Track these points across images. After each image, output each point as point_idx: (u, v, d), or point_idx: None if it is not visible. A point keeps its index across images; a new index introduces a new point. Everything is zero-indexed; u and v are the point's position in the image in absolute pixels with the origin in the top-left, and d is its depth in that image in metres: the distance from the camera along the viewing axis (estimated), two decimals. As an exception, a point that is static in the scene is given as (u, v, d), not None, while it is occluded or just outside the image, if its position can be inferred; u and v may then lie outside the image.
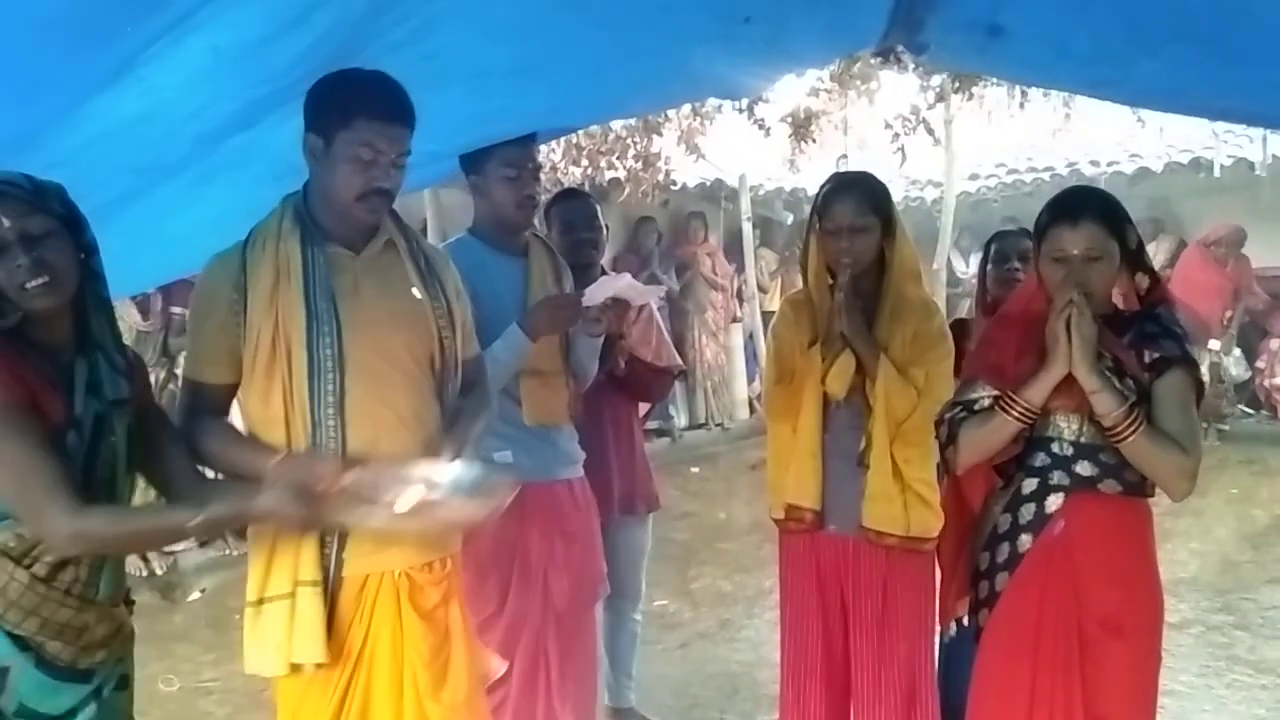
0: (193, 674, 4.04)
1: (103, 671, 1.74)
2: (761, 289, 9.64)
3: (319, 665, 1.91)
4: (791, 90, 7.10)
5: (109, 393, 1.73)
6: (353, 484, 1.77)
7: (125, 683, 1.80)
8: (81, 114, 1.84)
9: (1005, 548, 2.21)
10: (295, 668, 1.91)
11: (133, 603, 1.87)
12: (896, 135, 7.21)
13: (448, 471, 1.85)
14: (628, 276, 2.79)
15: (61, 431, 1.66)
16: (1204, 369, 2.25)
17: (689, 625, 4.68)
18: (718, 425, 9.21)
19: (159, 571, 5.09)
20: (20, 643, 1.66)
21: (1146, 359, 2.07)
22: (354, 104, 1.89)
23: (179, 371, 5.52)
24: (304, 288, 1.92)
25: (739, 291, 9.47)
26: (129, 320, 5.60)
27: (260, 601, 1.93)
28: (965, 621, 2.52)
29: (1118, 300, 2.17)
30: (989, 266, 3.00)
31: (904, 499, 2.45)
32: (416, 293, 2.03)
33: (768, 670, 3.60)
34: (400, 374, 1.99)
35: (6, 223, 1.63)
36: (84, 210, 1.75)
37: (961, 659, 2.57)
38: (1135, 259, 2.14)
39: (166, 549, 5.35)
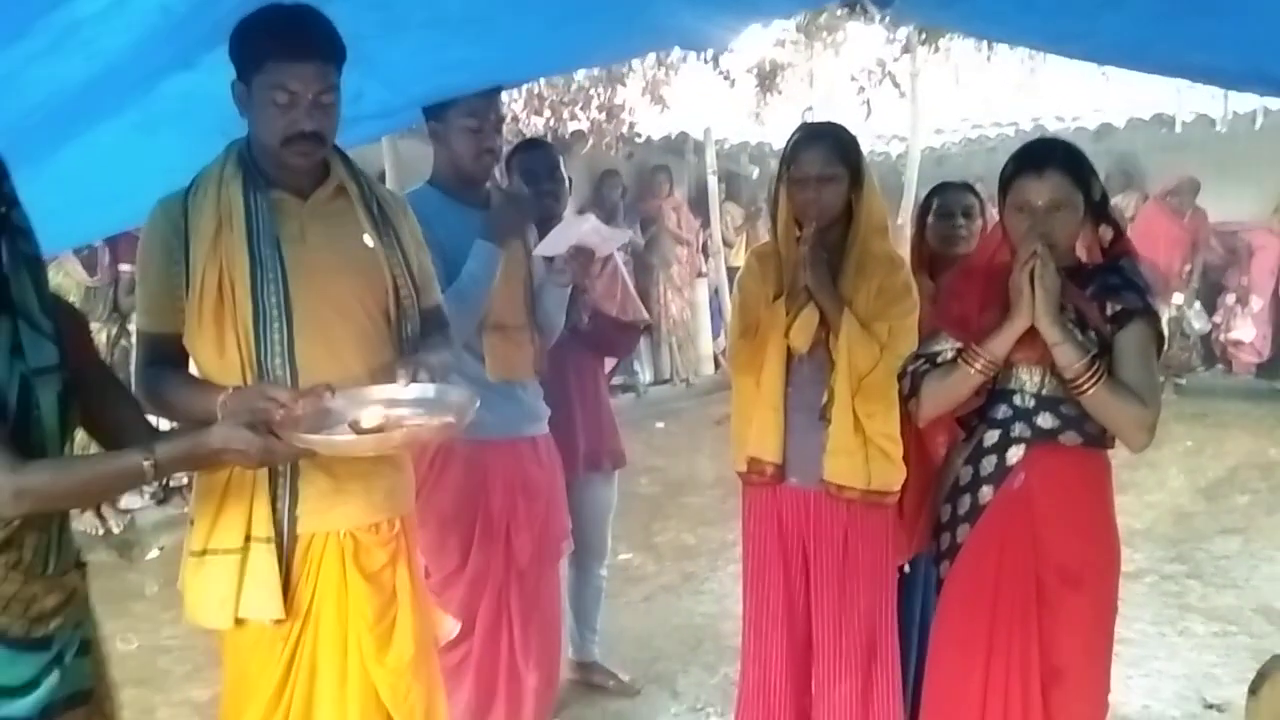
0: (152, 632, 4.00)
1: (60, 638, 1.67)
2: (727, 244, 9.61)
3: (263, 622, 1.88)
4: (757, 42, 7.04)
5: (32, 360, 1.60)
6: (309, 409, 1.70)
7: (87, 648, 1.73)
8: (25, 80, 1.75)
9: (966, 500, 2.22)
10: (240, 622, 1.88)
11: (84, 565, 1.82)
12: (862, 88, 7.18)
13: (407, 392, 1.80)
14: (592, 218, 2.75)
15: None
16: (1166, 322, 2.26)
17: (653, 579, 4.70)
18: (682, 381, 9.23)
19: (116, 530, 5.01)
20: None
21: (1108, 311, 2.07)
22: (263, 45, 1.80)
23: (131, 328, 5.41)
24: (247, 233, 1.85)
25: (704, 246, 9.44)
26: (75, 277, 5.46)
27: (204, 553, 1.89)
28: (905, 569, 2.56)
29: (1081, 253, 2.17)
30: (929, 219, 2.97)
31: (865, 453, 2.45)
32: (368, 240, 1.96)
33: (731, 622, 3.63)
34: (350, 324, 1.92)
35: None
36: (8, 156, 1.61)
37: (913, 608, 2.66)
38: (1099, 211, 2.13)
39: (123, 507, 5.28)
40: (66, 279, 5.38)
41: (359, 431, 1.71)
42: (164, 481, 5.13)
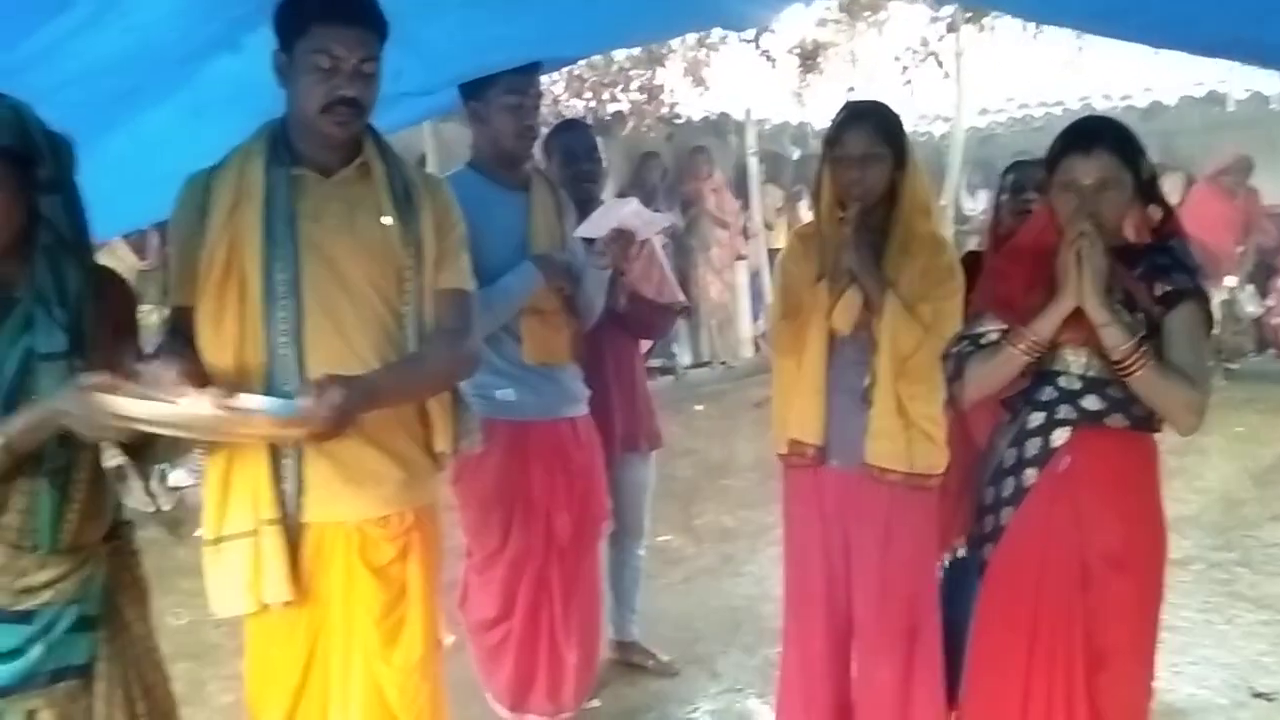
0: (201, 607, 4.01)
1: (47, 613, 1.68)
2: (767, 225, 9.53)
3: (286, 604, 1.88)
4: (799, 21, 6.97)
5: (40, 345, 1.63)
6: (146, 379, 1.60)
7: (91, 624, 1.73)
8: (63, 53, 1.78)
9: (1010, 482, 2.19)
10: (265, 608, 1.88)
11: (115, 543, 1.82)
12: (905, 68, 7.09)
13: (257, 402, 1.70)
14: (634, 202, 2.75)
15: None
16: (1217, 305, 2.22)
17: (692, 560, 4.71)
18: (721, 363, 9.20)
19: (165, 507, 5.10)
20: None
21: (1157, 292, 2.03)
22: (308, 9, 1.81)
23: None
24: (263, 209, 1.84)
25: (744, 228, 9.38)
26: (126, 261, 5.54)
27: (218, 540, 1.88)
28: (961, 554, 2.53)
29: (1129, 233, 2.13)
30: (1004, 197, 2.90)
31: (908, 435, 2.42)
32: (386, 220, 1.92)
33: (770, 605, 3.63)
34: (359, 306, 1.89)
35: None
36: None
37: (959, 592, 2.59)
38: (1148, 190, 2.09)
39: (171, 484, 5.36)
40: (118, 263, 5.48)
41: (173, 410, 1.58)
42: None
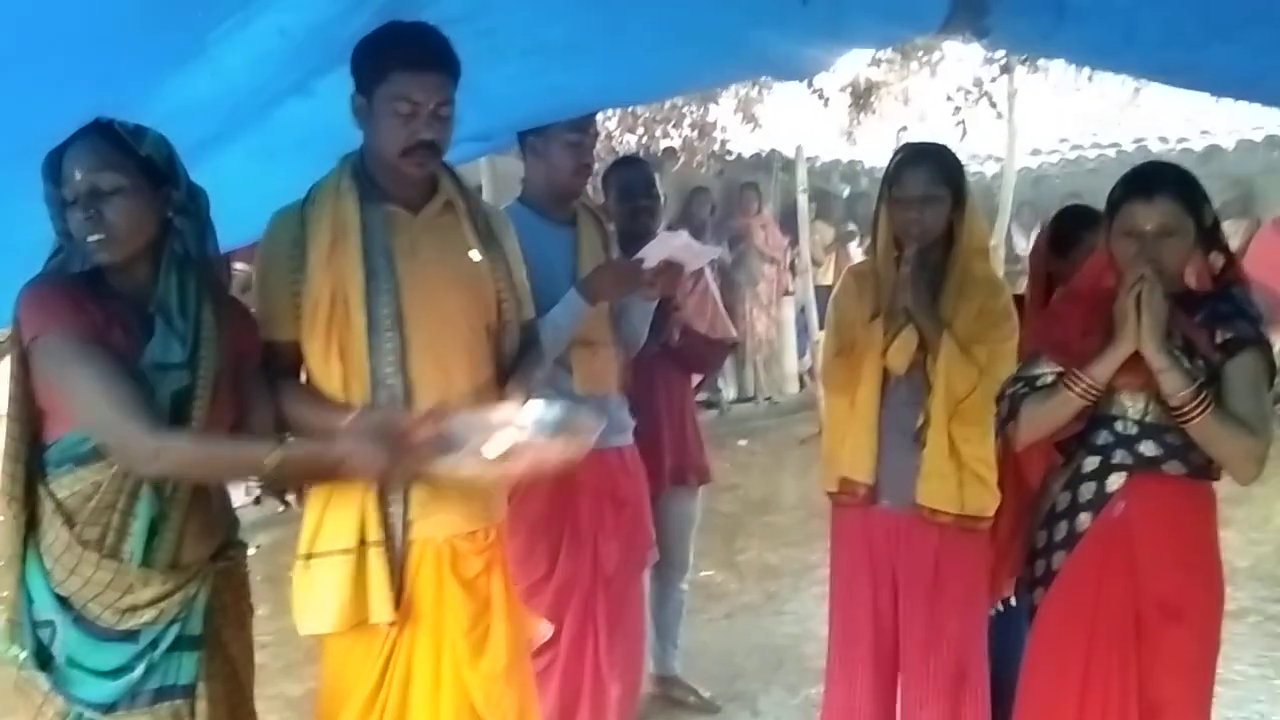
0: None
1: (150, 632, 1.72)
2: (815, 262, 9.50)
3: (365, 625, 1.92)
4: (852, 61, 6.99)
5: (157, 354, 1.71)
6: (436, 433, 1.72)
7: (194, 644, 1.77)
8: (155, 96, 1.85)
9: (1063, 526, 2.17)
10: (361, 624, 1.92)
11: (222, 563, 1.85)
12: (958, 108, 7.08)
13: (529, 411, 1.79)
14: (684, 234, 2.76)
15: (132, 365, 1.67)
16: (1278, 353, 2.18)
17: (735, 596, 4.68)
18: (766, 399, 9.18)
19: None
20: (62, 601, 1.69)
21: (1218, 339, 2.01)
22: (388, 57, 1.87)
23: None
24: (361, 246, 1.91)
25: (792, 264, 9.39)
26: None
27: (309, 557, 1.94)
28: (1014, 601, 2.50)
29: (1190, 279, 2.12)
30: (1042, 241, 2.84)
31: (960, 477, 2.42)
32: (475, 255, 2.01)
33: (814, 644, 3.60)
34: (458, 338, 1.97)
35: (78, 175, 1.66)
36: None
37: (1009, 637, 2.55)
38: (1210, 237, 2.08)
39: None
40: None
41: (485, 459, 1.71)
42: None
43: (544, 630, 2.38)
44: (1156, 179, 2.04)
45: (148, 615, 1.72)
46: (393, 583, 1.91)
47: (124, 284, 1.74)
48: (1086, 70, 6.83)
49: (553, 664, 2.77)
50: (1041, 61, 6.76)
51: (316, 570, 1.93)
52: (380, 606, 1.91)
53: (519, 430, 1.75)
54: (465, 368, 1.97)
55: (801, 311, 9.32)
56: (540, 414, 1.79)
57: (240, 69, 1.89)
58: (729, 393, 8.93)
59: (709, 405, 8.47)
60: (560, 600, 2.75)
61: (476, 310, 2.01)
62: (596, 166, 3.10)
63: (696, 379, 3.67)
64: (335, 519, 1.92)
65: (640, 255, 2.73)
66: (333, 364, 1.91)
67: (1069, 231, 2.65)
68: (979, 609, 2.54)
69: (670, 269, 2.73)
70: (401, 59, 1.86)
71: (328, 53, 2.00)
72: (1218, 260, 2.10)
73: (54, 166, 1.68)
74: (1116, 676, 2.08)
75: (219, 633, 1.84)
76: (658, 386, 3.23)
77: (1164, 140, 8.82)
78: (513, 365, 2.07)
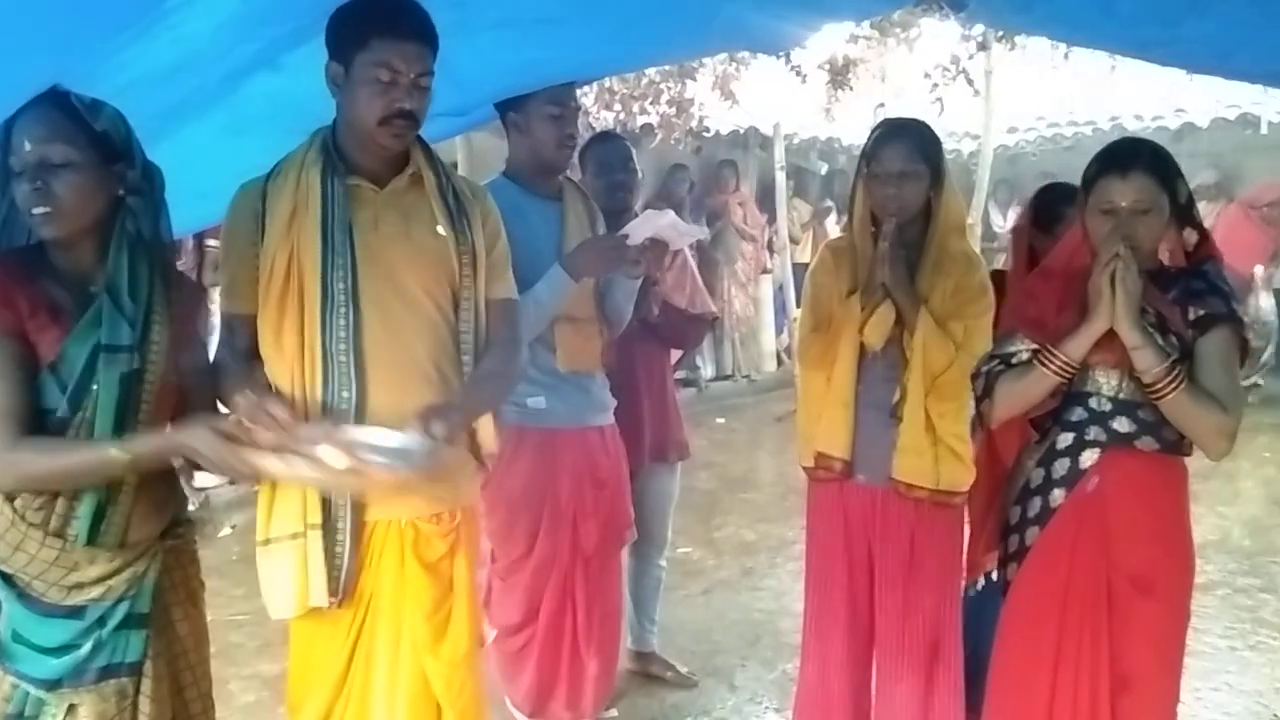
0: (224, 607, 4.11)
1: (98, 608, 1.70)
2: (793, 240, 9.53)
3: (327, 608, 1.90)
4: (829, 37, 6.96)
5: (105, 336, 1.68)
6: (286, 431, 1.67)
7: (142, 621, 1.75)
8: (114, 64, 1.81)
9: (1037, 502, 2.19)
10: (312, 610, 1.91)
11: (170, 541, 1.83)
12: (935, 85, 7.07)
13: (394, 439, 1.74)
14: (670, 214, 2.76)
15: (39, 365, 1.65)
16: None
17: (712, 573, 4.71)
18: (744, 377, 9.20)
19: (193, 507, 5.14)
20: (6, 577, 1.67)
21: (1191, 315, 2.03)
22: (369, 24, 1.84)
23: (213, 306, 5.56)
24: (321, 219, 1.88)
25: (770, 242, 9.39)
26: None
27: (267, 542, 1.92)
28: (994, 576, 2.52)
29: (1164, 256, 2.13)
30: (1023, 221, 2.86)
31: (935, 452, 2.43)
32: (440, 229, 1.96)
33: (790, 619, 3.63)
34: (417, 314, 1.93)
35: (28, 146, 1.63)
36: None
37: (987, 613, 2.57)
38: (1184, 214, 2.09)
39: (197, 485, 5.42)
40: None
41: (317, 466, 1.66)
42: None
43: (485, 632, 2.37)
44: (1131, 155, 2.04)
45: (94, 592, 1.70)
46: (332, 566, 1.88)
47: (67, 261, 1.71)
48: (1063, 48, 6.84)
49: (531, 642, 2.78)
50: (1019, 39, 6.76)
51: (271, 555, 1.91)
52: (318, 590, 1.88)
53: (367, 452, 1.70)
54: (424, 344, 1.93)
55: (779, 289, 9.34)
56: (402, 444, 1.74)
57: (202, 35, 1.85)
58: (707, 370, 8.94)
59: (687, 383, 8.47)
60: (539, 579, 2.76)
61: (439, 286, 1.96)
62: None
63: (676, 355, 3.67)
64: (283, 504, 1.90)
65: (624, 232, 2.73)
66: (285, 337, 1.88)
67: (1052, 208, 2.66)
68: (953, 584, 2.56)
69: (655, 247, 2.72)
70: (383, 26, 1.84)
71: (293, 20, 1.96)
72: (1191, 237, 2.12)
73: (4, 135, 1.65)
74: (1088, 649, 2.10)
75: (168, 610, 1.82)
76: (638, 362, 3.22)
77: (1139, 118, 8.85)
78: (477, 369, 2.01)
